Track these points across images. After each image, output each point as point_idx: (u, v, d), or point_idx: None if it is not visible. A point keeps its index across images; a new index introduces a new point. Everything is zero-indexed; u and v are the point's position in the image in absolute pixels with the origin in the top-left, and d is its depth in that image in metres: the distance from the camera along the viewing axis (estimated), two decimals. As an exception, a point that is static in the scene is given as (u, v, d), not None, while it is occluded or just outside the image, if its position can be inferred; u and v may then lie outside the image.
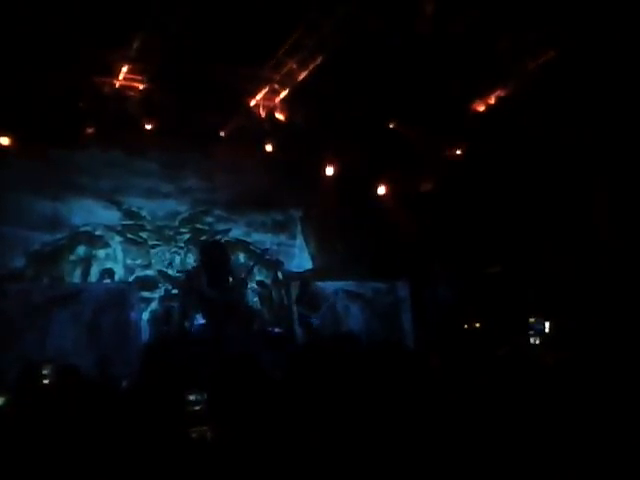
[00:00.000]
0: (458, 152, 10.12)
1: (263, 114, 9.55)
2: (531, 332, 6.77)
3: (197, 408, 3.12)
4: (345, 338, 7.55)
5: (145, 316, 9.53)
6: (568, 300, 8.14)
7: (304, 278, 9.57)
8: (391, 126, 9.85)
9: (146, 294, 9.79)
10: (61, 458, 2.94)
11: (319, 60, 8.08)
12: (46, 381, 4.62)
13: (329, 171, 10.32)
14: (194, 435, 2.87)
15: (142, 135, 9.30)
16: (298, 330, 9.78)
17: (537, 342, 5.90)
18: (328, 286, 10.24)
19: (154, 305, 9.91)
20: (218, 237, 10.55)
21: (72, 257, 9.69)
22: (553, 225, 9.34)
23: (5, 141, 8.46)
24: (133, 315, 8.85)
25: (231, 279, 8.47)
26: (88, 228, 9.79)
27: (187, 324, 8.66)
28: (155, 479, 2.72)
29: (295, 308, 9.55)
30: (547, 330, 6.78)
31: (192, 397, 3.15)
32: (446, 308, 9.88)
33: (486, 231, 9.87)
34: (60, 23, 7.12)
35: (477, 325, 9.12)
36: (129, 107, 8.88)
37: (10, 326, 7.89)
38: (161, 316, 9.55)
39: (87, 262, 9.76)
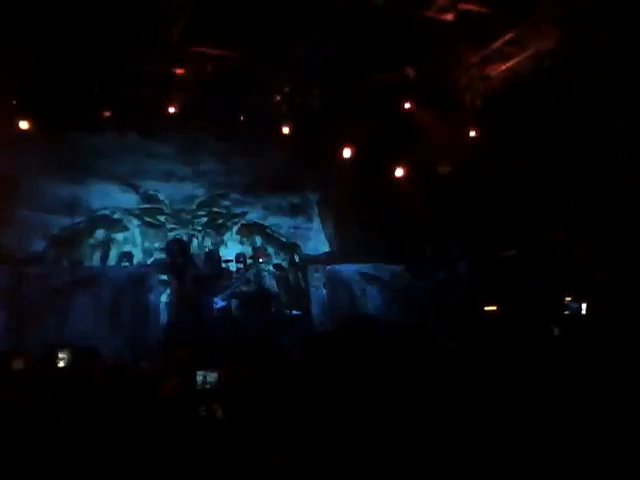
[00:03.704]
0: (475, 134, 9.99)
1: (280, 97, 9.52)
2: (567, 312, 6.56)
3: (208, 387, 3.13)
4: (361, 320, 7.55)
5: (164, 299, 9.57)
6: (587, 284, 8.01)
7: None
8: (407, 107, 9.75)
9: (164, 277, 9.84)
10: (77, 440, 2.97)
11: (335, 42, 8.01)
12: (62, 364, 4.64)
13: (346, 154, 10.26)
14: (203, 413, 2.88)
15: (159, 118, 9.29)
16: (315, 312, 9.82)
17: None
18: (345, 269, 10.23)
19: (173, 288, 9.95)
20: (235, 220, 10.61)
21: (91, 241, 9.80)
22: (572, 208, 9.21)
23: (24, 125, 8.51)
24: (152, 298, 8.91)
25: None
26: (106, 212, 9.88)
27: (205, 307, 8.72)
28: (170, 458, 2.75)
29: None
30: (584, 312, 6.53)
31: (201, 376, 3.16)
32: (463, 291, 9.81)
33: (503, 214, 9.77)
34: (75, 5, 7.11)
35: (495, 308, 9.05)
36: (146, 90, 8.88)
37: (31, 309, 7.99)
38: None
39: (106, 245, 9.86)
